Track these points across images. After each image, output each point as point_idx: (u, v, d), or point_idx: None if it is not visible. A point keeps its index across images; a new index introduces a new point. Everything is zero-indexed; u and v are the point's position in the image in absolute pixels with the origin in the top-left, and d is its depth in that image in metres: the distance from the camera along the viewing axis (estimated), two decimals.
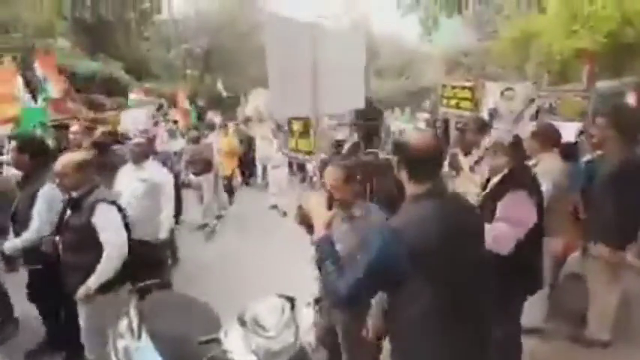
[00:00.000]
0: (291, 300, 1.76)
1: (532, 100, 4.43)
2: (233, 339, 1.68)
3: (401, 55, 29.03)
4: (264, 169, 8.01)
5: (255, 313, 1.70)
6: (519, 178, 2.07)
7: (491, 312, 1.38)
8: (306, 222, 1.80)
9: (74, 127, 4.16)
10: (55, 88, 6.10)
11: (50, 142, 4.05)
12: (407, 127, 8.49)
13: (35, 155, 2.69)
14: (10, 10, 9.64)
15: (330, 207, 1.52)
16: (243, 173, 8.74)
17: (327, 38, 2.32)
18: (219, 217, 6.30)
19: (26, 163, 2.69)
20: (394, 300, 1.34)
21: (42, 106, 5.60)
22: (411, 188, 1.35)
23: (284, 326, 1.65)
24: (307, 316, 1.83)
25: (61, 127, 4.57)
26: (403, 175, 1.36)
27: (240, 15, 23.28)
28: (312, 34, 2.17)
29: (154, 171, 3.39)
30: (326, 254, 1.38)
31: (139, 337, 2.04)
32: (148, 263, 3.09)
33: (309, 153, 3.05)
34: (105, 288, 2.36)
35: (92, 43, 14.46)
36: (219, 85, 14.25)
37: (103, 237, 2.31)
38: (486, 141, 2.19)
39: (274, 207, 6.75)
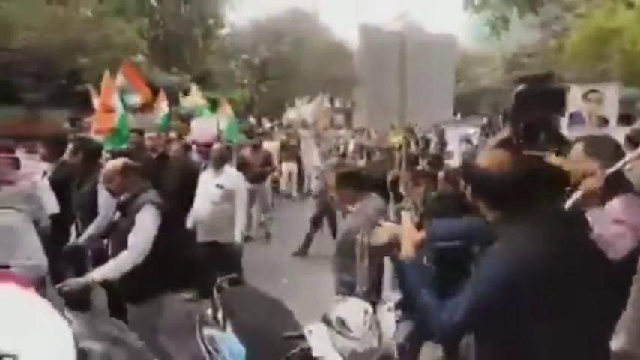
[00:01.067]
0: (373, 303, 1.81)
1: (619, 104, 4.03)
2: (318, 337, 1.72)
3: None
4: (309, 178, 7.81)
5: (339, 313, 1.74)
6: (621, 181, 1.85)
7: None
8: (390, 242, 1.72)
9: (151, 134, 4.61)
10: (139, 97, 6.75)
11: (130, 146, 4.54)
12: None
13: (89, 156, 3.03)
14: (101, 33, 11.05)
15: (419, 228, 1.40)
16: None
17: (416, 48, 2.36)
18: (269, 220, 6.05)
19: (80, 162, 3.02)
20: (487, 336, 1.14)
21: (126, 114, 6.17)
22: (494, 217, 1.15)
23: (368, 329, 1.66)
24: (390, 321, 1.80)
25: (138, 132, 4.94)
26: (481, 205, 1.16)
27: (294, 25, 24.18)
28: (401, 44, 2.22)
29: (231, 177, 3.49)
30: (417, 279, 1.21)
31: (224, 327, 2.18)
32: (223, 265, 3.22)
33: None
34: (149, 292, 2.34)
35: (166, 58, 15.93)
36: (263, 89, 14.89)
37: (129, 238, 2.25)
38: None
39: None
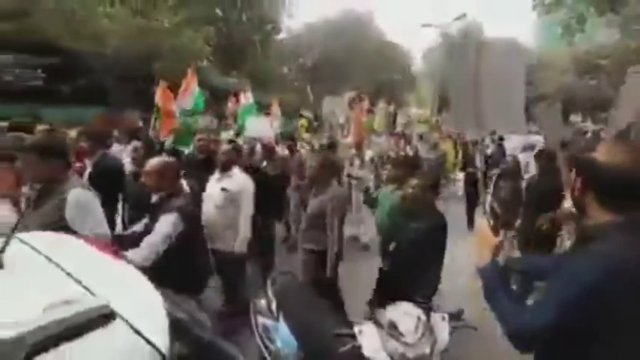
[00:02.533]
0: (427, 310, 1.78)
1: None
2: (368, 338, 1.70)
3: None
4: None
5: (391, 316, 1.75)
6: None
7: None
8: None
9: (201, 135, 4.82)
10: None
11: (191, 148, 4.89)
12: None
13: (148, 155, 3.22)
14: (175, 41, 12.20)
15: (497, 233, 1.39)
16: None
17: (489, 53, 2.28)
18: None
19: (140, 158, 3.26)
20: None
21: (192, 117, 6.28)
22: (602, 215, 1.07)
23: (421, 335, 1.65)
24: (443, 330, 1.75)
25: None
26: (590, 201, 1.09)
27: (347, 28, 24.35)
28: (476, 49, 2.20)
29: (237, 181, 3.22)
30: (493, 282, 1.20)
31: (277, 317, 2.27)
32: (226, 274, 3.11)
33: None
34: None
35: (226, 62, 17.00)
36: (308, 90, 15.07)
37: (145, 238, 2.24)
38: None
39: (354, 239, 5.18)
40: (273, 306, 2.45)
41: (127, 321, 0.80)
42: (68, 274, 0.93)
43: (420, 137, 9.10)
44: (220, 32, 15.66)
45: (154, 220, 2.33)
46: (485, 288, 1.21)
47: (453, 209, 4.69)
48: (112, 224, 3.13)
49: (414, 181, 2.94)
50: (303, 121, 9.44)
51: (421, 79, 31.62)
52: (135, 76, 12.32)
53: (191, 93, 5.90)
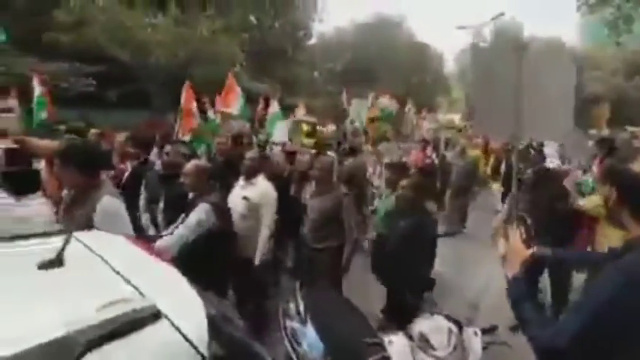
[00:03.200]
0: (459, 324, 1.74)
1: None
2: (398, 349, 1.68)
3: None
4: None
5: (422, 328, 1.71)
6: None
7: None
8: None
9: (220, 139, 4.96)
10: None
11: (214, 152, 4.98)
12: None
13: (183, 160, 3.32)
14: (213, 48, 12.81)
15: (528, 245, 1.33)
16: None
17: (533, 60, 2.19)
18: None
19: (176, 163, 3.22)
20: None
21: (217, 121, 6.48)
22: (636, 229, 1.05)
23: (453, 349, 1.60)
24: (476, 345, 1.71)
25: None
26: (624, 213, 1.07)
27: (378, 31, 24.22)
28: (517, 55, 2.13)
29: (259, 189, 3.12)
30: (522, 294, 1.17)
31: (305, 322, 2.27)
32: (248, 283, 3.02)
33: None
34: None
35: (259, 68, 17.50)
36: (343, 96, 15.03)
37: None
38: None
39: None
40: (302, 309, 2.49)
41: (171, 321, 0.81)
42: (118, 273, 0.97)
43: (446, 143, 8.69)
44: (254, 39, 16.18)
45: (187, 215, 2.52)
46: (514, 301, 1.17)
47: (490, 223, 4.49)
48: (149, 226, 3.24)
49: (403, 182, 3.03)
50: (303, 126, 9.03)
51: (453, 82, 30.79)
52: (175, 82, 13.01)
53: (236, 97, 6.18)
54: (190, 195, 2.75)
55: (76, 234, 1.19)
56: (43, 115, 5.91)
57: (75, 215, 1.94)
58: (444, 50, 29.33)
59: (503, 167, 6.49)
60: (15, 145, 3.24)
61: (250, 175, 3.16)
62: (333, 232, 3.11)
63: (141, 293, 0.88)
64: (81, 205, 1.96)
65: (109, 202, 1.98)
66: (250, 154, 3.37)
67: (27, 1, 12.26)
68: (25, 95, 6.59)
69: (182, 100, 5.72)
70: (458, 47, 31.21)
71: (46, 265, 0.96)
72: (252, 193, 3.08)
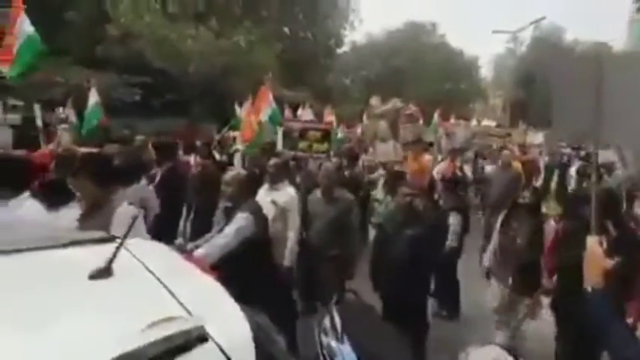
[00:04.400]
0: (514, 355, 1.72)
1: None
2: None
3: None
4: None
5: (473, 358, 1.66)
6: None
7: None
8: None
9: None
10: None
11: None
12: None
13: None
14: (249, 58, 13.30)
15: (610, 255, 1.21)
16: None
17: (615, 63, 2.10)
18: None
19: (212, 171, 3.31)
20: None
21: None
22: None
23: None
24: None
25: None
26: None
27: (411, 38, 23.97)
28: (597, 61, 2.06)
29: (286, 194, 3.22)
30: (604, 308, 1.10)
31: (342, 339, 2.14)
32: (273, 287, 2.98)
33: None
34: None
35: (291, 76, 17.89)
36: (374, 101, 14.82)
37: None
38: None
39: None
40: (338, 326, 2.38)
41: (218, 345, 0.79)
42: (165, 286, 0.96)
43: (475, 155, 7.94)
44: (287, 48, 16.61)
45: (226, 224, 2.51)
46: (596, 317, 1.09)
47: None
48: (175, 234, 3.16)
49: (403, 190, 3.01)
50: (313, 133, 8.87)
51: (489, 88, 29.75)
52: (213, 91, 13.66)
53: (267, 105, 6.37)
54: (222, 205, 2.73)
55: (127, 241, 1.16)
56: (95, 122, 6.35)
57: (90, 224, 1.91)
58: (479, 55, 28.19)
59: (540, 180, 5.90)
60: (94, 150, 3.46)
61: (276, 180, 3.26)
62: (338, 240, 3.18)
63: (188, 311, 0.85)
64: (97, 216, 1.94)
65: (126, 210, 1.95)
66: (273, 160, 3.45)
67: (83, 17, 13.39)
68: (78, 105, 7.12)
69: (243, 111, 6.06)
70: (493, 53, 30.05)
71: (96, 274, 0.96)
72: (278, 197, 3.17)
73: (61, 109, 7.07)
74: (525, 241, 2.95)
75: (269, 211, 3.06)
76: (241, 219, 2.50)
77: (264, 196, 3.20)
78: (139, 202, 2.73)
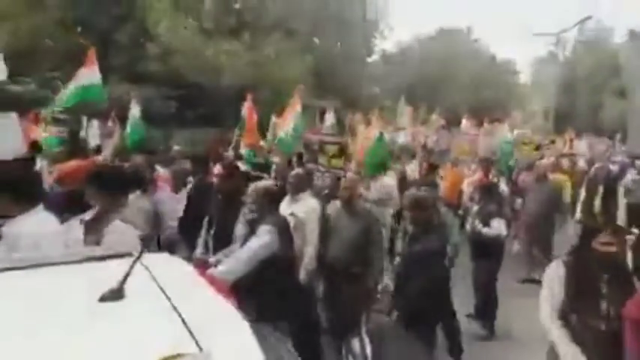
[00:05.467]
0: None
1: None
2: None
3: None
4: None
5: None
6: None
7: None
8: None
9: (277, 159, 5.08)
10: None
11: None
12: None
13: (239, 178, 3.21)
14: (279, 70, 13.57)
15: None
16: None
17: None
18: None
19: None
20: None
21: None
22: None
23: None
24: None
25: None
26: None
27: (443, 45, 23.43)
28: None
29: (304, 205, 3.10)
30: None
31: None
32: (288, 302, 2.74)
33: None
34: None
35: (321, 86, 18.03)
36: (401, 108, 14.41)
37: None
38: None
39: None
40: (368, 349, 2.32)
41: None
42: (179, 313, 0.93)
43: (507, 165, 7.13)
44: (317, 59, 16.78)
45: (252, 233, 2.44)
46: None
47: None
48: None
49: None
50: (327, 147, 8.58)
51: (529, 94, 28.30)
52: (243, 102, 14.02)
53: (294, 115, 6.34)
54: (245, 216, 2.64)
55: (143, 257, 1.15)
56: (138, 135, 6.66)
57: (90, 238, 1.88)
58: (517, 60, 26.93)
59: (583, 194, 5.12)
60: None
61: (296, 191, 3.15)
62: (361, 258, 2.97)
63: (198, 344, 0.82)
64: (99, 229, 1.90)
65: (115, 229, 1.88)
66: (295, 170, 3.37)
67: (127, 37, 14.30)
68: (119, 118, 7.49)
69: (244, 116, 5.97)
70: (533, 56, 28.61)
71: (107, 297, 0.94)
72: (298, 209, 3.05)
73: (110, 123, 7.46)
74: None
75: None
76: (265, 233, 2.39)
77: (285, 209, 3.09)
78: (143, 212, 2.69)
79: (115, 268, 1.04)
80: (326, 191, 3.27)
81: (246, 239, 2.50)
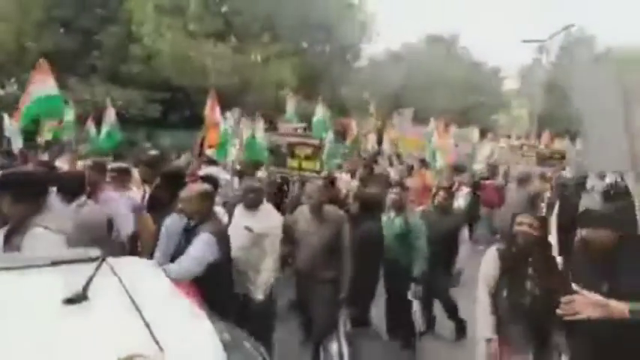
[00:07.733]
0: None
1: None
2: None
3: None
4: None
5: None
6: None
7: None
8: None
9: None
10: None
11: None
12: None
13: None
14: (265, 73, 13.52)
15: None
16: None
17: None
18: None
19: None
20: None
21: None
22: None
23: None
24: None
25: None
26: None
27: (430, 51, 23.81)
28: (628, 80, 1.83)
29: (264, 218, 2.84)
30: None
31: None
32: (250, 321, 2.51)
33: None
34: None
35: (307, 90, 18.06)
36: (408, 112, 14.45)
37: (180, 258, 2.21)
38: None
39: None
40: (345, 353, 2.43)
41: None
42: (141, 313, 0.93)
43: (491, 171, 7.22)
44: (304, 63, 16.77)
45: (188, 242, 2.29)
46: None
47: None
48: None
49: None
50: (298, 148, 8.34)
51: (514, 99, 28.99)
52: (229, 106, 13.90)
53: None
54: (192, 220, 2.43)
55: (109, 260, 1.18)
56: (116, 138, 6.58)
57: (10, 247, 1.69)
58: (503, 66, 27.48)
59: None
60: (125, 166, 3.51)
61: (251, 203, 2.85)
62: (334, 263, 2.85)
63: (161, 348, 0.83)
64: (18, 236, 1.71)
65: (38, 235, 1.68)
66: (249, 182, 3.10)
67: (110, 38, 14.03)
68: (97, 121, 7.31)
69: (207, 113, 5.47)
70: (519, 63, 29.25)
71: (71, 300, 0.95)
72: (254, 223, 2.78)
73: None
74: None
75: (242, 237, 2.70)
76: (203, 242, 2.24)
77: (238, 221, 2.84)
78: (82, 223, 2.38)
79: (81, 272, 1.04)
80: (312, 201, 2.87)
81: (182, 247, 2.33)
